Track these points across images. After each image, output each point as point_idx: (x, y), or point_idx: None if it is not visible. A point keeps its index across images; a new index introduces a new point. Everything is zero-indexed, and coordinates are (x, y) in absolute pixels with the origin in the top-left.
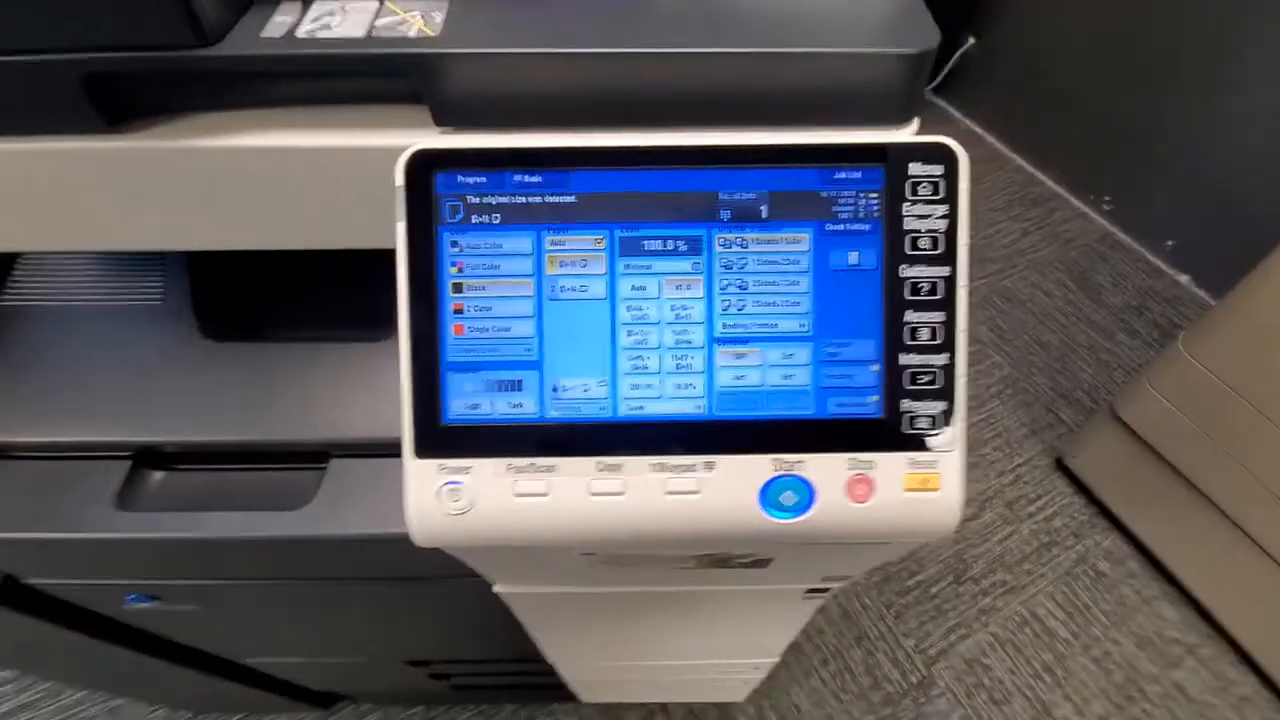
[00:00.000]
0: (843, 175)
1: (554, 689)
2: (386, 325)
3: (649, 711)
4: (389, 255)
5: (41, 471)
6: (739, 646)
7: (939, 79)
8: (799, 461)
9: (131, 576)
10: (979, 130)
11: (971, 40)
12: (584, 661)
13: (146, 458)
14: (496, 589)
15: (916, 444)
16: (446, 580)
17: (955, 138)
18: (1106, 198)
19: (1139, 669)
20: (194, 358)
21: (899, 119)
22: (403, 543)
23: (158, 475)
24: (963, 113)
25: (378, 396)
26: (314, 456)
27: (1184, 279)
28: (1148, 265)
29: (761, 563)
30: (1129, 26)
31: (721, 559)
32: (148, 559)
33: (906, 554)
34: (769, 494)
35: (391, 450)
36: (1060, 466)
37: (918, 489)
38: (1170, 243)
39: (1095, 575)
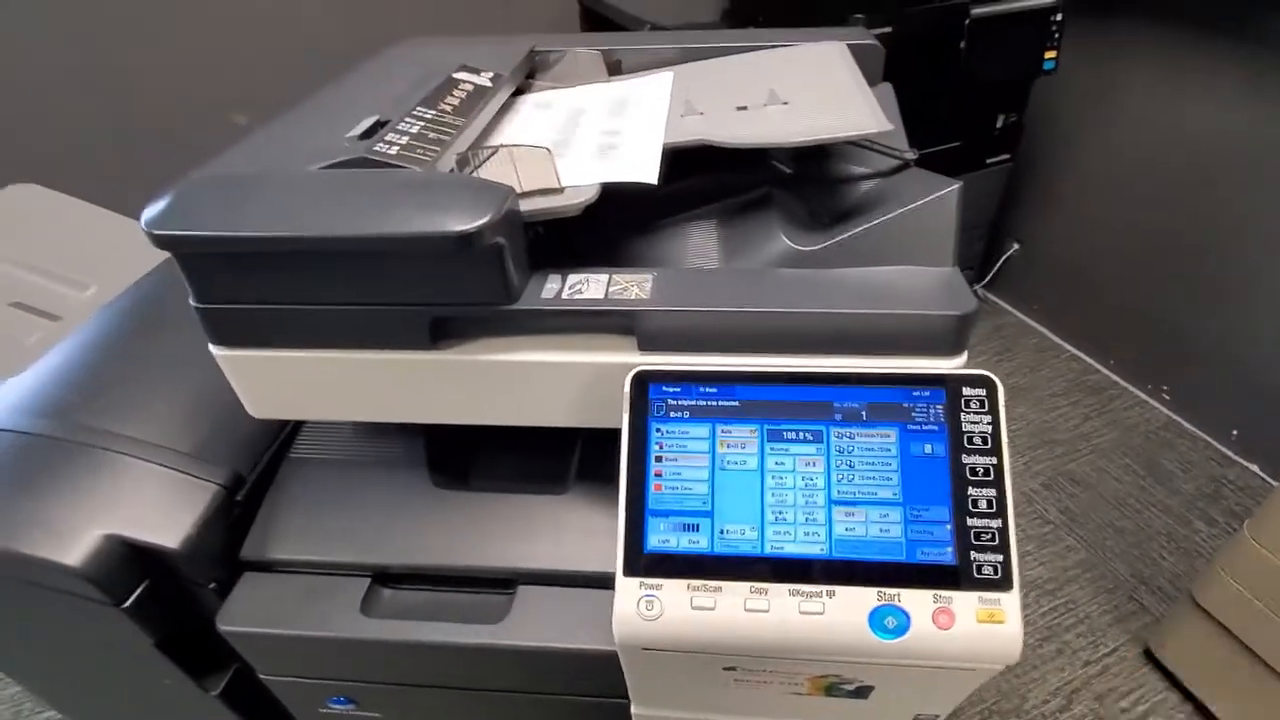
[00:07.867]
0: (917, 393)
1: None
2: (564, 482)
3: None
4: (571, 432)
5: (304, 583)
6: None
7: (988, 278)
8: (897, 594)
9: (348, 676)
10: (1031, 322)
11: (1016, 246)
12: None
13: (382, 577)
14: (635, 710)
15: (983, 585)
16: (595, 700)
17: (1008, 330)
18: (1165, 387)
19: None
20: (423, 500)
21: (953, 352)
22: (573, 657)
23: (388, 591)
24: (1015, 307)
25: (557, 537)
26: (505, 583)
27: (1254, 467)
28: (1215, 453)
29: (863, 691)
30: (1161, 229)
31: (831, 685)
32: (371, 659)
33: (983, 682)
34: (875, 618)
35: (568, 581)
36: (1150, 658)
37: (987, 621)
38: (1235, 432)
39: None
